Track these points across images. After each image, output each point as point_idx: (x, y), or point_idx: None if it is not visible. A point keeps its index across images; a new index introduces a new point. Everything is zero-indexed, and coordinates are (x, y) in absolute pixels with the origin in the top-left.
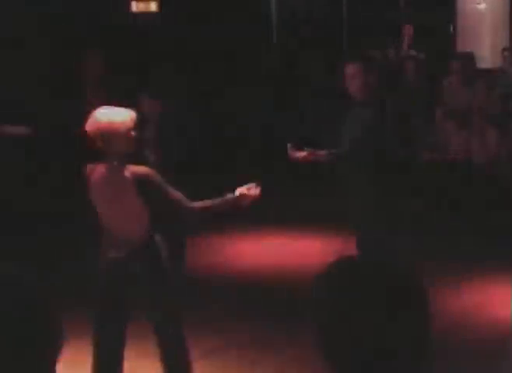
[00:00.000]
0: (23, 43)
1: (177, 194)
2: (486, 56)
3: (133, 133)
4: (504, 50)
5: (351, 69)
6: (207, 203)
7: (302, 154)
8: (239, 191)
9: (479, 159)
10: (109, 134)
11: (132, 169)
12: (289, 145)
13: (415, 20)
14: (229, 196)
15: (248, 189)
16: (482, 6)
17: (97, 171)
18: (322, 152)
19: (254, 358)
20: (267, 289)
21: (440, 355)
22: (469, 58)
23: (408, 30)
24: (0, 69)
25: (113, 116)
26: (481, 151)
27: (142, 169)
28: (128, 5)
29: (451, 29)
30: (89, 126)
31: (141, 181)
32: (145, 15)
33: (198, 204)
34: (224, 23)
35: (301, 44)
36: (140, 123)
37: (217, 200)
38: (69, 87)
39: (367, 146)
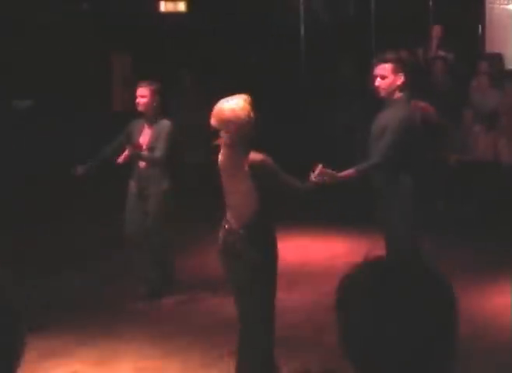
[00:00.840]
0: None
1: (289, 178)
2: None
3: (253, 117)
4: None
5: (382, 69)
6: (309, 185)
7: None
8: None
9: (507, 161)
10: (232, 122)
11: (251, 156)
12: (319, 167)
13: (443, 21)
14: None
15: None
16: (511, 7)
17: (222, 155)
18: (351, 171)
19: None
20: (291, 290)
21: (469, 356)
22: (498, 59)
23: (436, 31)
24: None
25: (234, 104)
26: (509, 153)
27: (258, 156)
28: (157, 5)
29: (480, 29)
30: (214, 117)
31: (256, 167)
32: (174, 16)
33: (306, 187)
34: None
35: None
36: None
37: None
38: (97, 87)
39: (404, 147)
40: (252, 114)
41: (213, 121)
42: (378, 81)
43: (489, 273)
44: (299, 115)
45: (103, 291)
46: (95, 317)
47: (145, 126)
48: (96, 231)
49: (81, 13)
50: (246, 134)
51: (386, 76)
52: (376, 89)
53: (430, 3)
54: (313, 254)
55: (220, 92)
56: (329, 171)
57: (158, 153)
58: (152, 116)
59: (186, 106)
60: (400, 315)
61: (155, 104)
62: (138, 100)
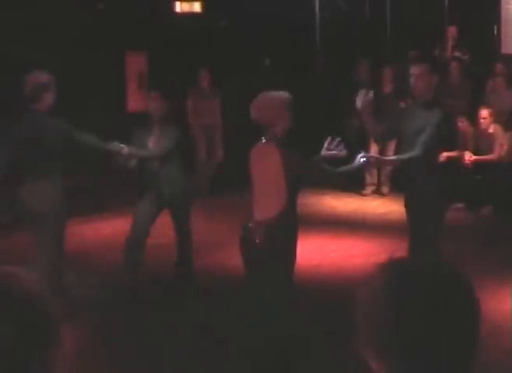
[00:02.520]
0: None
1: (320, 165)
2: None
3: (290, 112)
4: None
5: (417, 70)
6: (332, 168)
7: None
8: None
9: None
10: (269, 114)
11: (284, 149)
12: (362, 155)
13: (459, 22)
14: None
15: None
16: None
17: (256, 149)
18: (394, 158)
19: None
20: (307, 289)
21: (486, 356)
22: None
23: (452, 32)
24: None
25: (272, 97)
26: None
27: (291, 149)
28: (172, 6)
29: (495, 30)
30: (252, 109)
31: (290, 159)
32: (189, 16)
33: (335, 170)
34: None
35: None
36: None
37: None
38: (112, 88)
39: (436, 147)
40: (290, 108)
41: (255, 114)
42: (414, 81)
43: (508, 274)
44: (315, 115)
45: None
46: None
47: (154, 131)
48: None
49: (96, 13)
50: (285, 127)
51: (422, 76)
52: (413, 89)
53: (446, 4)
54: (328, 254)
55: (236, 92)
56: (376, 155)
57: (158, 149)
58: (160, 122)
59: (203, 107)
60: (423, 316)
61: (164, 110)
62: (148, 107)
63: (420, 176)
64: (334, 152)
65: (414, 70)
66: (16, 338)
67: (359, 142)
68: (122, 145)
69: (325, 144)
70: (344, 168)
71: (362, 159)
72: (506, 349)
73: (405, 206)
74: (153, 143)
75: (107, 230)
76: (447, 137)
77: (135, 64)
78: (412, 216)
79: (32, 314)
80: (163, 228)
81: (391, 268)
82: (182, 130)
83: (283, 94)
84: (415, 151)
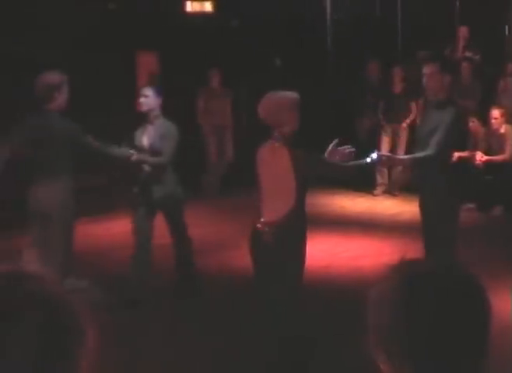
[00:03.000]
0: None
1: (328, 160)
2: None
3: (297, 113)
4: None
5: (429, 69)
6: (341, 163)
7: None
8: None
9: None
10: (277, 114)
11: (292, 148)
12: (375, 154)
13: (470, 22)
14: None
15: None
16: None
17: (264, 149)
18: (406, 157)
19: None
20: (317, 290)
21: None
22: None
23: (463, 32)
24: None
25: (279, 97)
26: None
27: (299, 149)
28: (183, 5)
29: (507, 30)
30: (260, 108)
31: (298, 158)
32: (200, 16)
33: (345, 164)
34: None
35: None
36: None
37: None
38: (122, 87)
39: (449, 146)
40: (298, 108)
41: (263, 114)
42: (426, 81)
43: None
44: (325, 116)
45: None
46: None
47: (147, 126)
48: None
49: (107, 13)
50: (292, 127)
51: (434, 75)
52: (425, 89)
53: (457, 4)
54: (338, 254)
55: (246, 92)
56: (388, 154)
57: (164, 157)
58: (153, 117)
59: (213, 106)
60: (435, 317)
61: (157, 105)
62: (140, 100)
63: (433, 175)
64: (341, 149)
65: (426, 69)
66: (44, 338)
67: (371, 142)
68: (132, 151)
69: (331, 146)
70: (354, 162)
71: (373, 156)
72: None
73: (419, 206)
74: (148, 139)
75: (117, 229)
76: (459, 137)
77: (146, 63)
78: (425, 216)
79: (59, 313)
80: (164, 229)
81: (402, 269)
82: (193, 131)
83: (291, 94)
84: (428, 151)
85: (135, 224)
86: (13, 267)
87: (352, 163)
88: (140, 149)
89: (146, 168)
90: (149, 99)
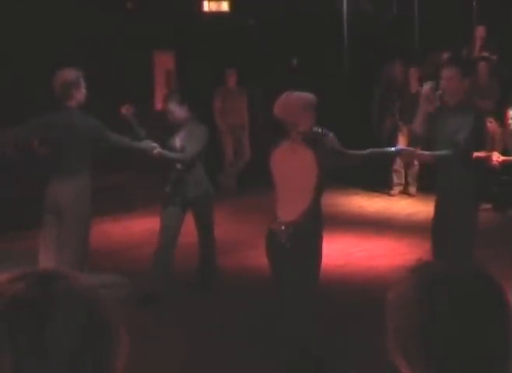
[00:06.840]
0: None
1: (346, 151)
2: None
3: (313, 112)
4: None
5: (446, 73)
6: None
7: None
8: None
9: None
10: (293, 114)
11: (313, 147)
12: (397, 148)
13: (487, 21)
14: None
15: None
16: None
17: (280, 149)
18: (428, 153)
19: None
20: (332, 290)
21: None
22: None
23: (480, 31)
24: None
25: (296, 97)
26: None
27: (318, 146)
28: (200, 5)
29: None
30: (277, 108)
31: (323, 154)
32: (217, 15)
33: (363, 151)
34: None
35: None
36: None
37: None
38: (139, 86)
39: (470, 147)
40: (314, 109)
41: (279, 114)
42: (444, 84)
43: None
44: (343, 117)
45: None
46: None
47: (180, 128)
48: None
49: (124, 12)
50: (308, 127)
51: (452, 79)
52: (442, 92)
53: (474, 3)
54: (353, 254)
55: (263, 92)
56: (409, 148)
57: (185, 154)
58: (185, 123)
59: (230, 106)
60: (454, 319)
61: (185, 114)
62: (169, 116)
63: (452, 175)
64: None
65: (444, 73)
66: (81, 337)
67: (391, 143)
68: (154, 144)
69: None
70: (380, 149)
71: (394, 149)
72: None
73: (437, 206)
74: (180, 141)
75: (136, 228)
76: (481, 139)
77: (163, 63)
78: (445, 216)
79: (95, 311)
80: (190, 227)
81: (420, 270)
82: (210, 130)
83: (307, 95)
84: (449, 150)
85: (164, 223)
86: (45, 268)
87: (377, 150)
88: (172, 150)
89: (178, 166)
90: (175, 113)
